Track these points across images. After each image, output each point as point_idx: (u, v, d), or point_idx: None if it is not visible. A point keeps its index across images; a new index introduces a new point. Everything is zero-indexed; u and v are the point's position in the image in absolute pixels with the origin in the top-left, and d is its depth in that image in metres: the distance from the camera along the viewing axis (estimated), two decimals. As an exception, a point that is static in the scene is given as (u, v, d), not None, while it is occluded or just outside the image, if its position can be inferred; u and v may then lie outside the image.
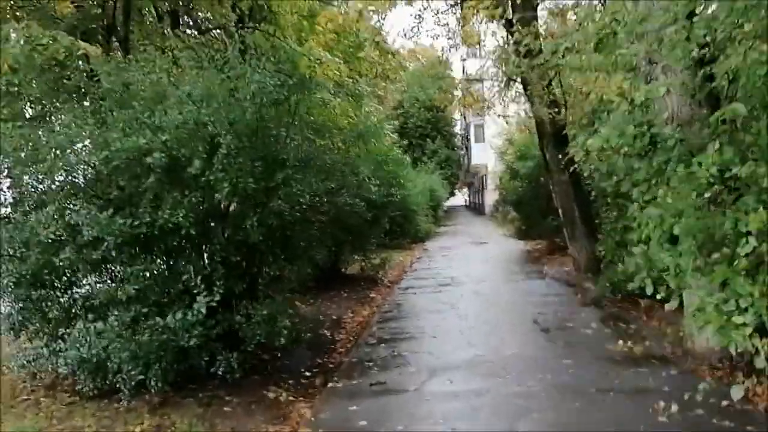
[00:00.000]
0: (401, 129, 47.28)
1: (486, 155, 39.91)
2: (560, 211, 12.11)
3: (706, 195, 4.07)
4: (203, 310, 5.53)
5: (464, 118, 57.58)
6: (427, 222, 27.08)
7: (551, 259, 15.17)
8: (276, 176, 6.23)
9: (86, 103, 6.94)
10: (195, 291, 5.59)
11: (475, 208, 54.83)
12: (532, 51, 8.78)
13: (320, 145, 8.91)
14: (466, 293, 10.80)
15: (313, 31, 13.94)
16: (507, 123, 13.97)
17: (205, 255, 6.30)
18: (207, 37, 14.82)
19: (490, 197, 39.92)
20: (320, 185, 7.52)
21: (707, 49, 4.58)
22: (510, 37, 11.06)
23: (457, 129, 61.39)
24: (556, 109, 11.42)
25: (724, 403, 4.65)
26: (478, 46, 16.18)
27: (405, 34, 20.64)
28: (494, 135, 34.75)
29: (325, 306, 10.62)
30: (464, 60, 35.30)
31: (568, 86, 11.44)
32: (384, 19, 19.80)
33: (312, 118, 8.86)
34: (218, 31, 15.02)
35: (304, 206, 7.40)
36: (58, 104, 7.52)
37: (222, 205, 6.04)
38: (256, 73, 6.20)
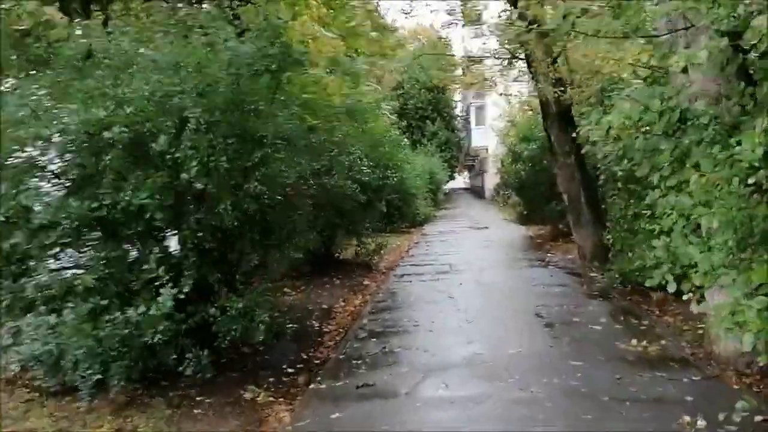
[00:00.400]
0: (401, 110, 46.63)
1: (487, 138, 39.24)
2: (565, 196, 11.50)
3: (750, 181, 3.44)
4: (169, 303, 4.95)
5: (464, 100, 56.84)
6: (426, 206, 26.46)
7: (555, 246, 14.58)
8: (253, 155, 5.61)
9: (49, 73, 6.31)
10: (158, 282, 4.98)
11: (476, 191, 54.21)
12: (537, 20, 8.10)
13: (310, 124, 8.29)
14: (465, 282, 10.21)
15: (307, 6, 13.24)
16: (509, 103, 13.29)
17: (176, 241, 5.70)
18: (197, 10, 14.15)
19: (491, 181, 39.29)
20: (305, 166, 6.89)
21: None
22: (514, 8, 10.35)
23: (458, 111, 60.65)
24: (562, 88, 10.75)
25: (758, 418, 4.07)
26: (478, 23, 15.45)
27: (405, 13, 19.75)
28: (495, 117, 34.10)
29: (316, 294, 10.05)
30: (464, 41, 34.39)
31: (575, 63, 10.76)
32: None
33: (305, 95, 8.39)
34: (208, 4, 14.34)
35: (288, 188, 6.82)
36: (21, 76, 6.89)
37: (193, 186, 5.40)
38: (231, 40, 5.55)
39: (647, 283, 4.73)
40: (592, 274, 10.29)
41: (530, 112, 12.61)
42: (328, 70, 16.64)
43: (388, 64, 22.88)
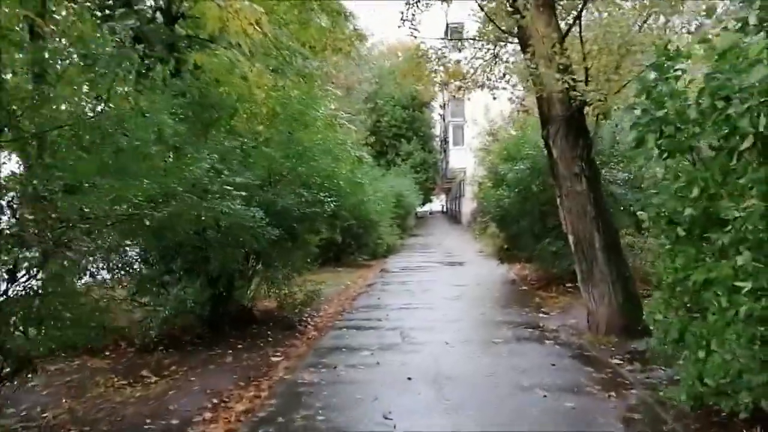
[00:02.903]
0: (374, 127, 43.20)
1: (465, 159, 36.03)
2: (570, 237, 7.91)
3: None
4: None
5: (443, 118, 53.65)
6: (391, 233, 22.81)
7: (548, 299, 10.98)
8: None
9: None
10: None
11: (453, 216, 50.90)
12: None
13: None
14: (418, 373, 6.44)
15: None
16: (494, 98, 9.76)
17: None
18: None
19: (469, 205, 35.98)
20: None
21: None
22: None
23: (437, 131, 57.48)
24: (572, 79, 7.24)
25: None
26: None
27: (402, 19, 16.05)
28: (474, 136, 30.73)
29: (185, 383, 6.32)
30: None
31: (593, 41, 7.28)
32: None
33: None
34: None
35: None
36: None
37: None
38: None
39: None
40: (614, 361, 6.68)
41: (524, 114, 9.06)
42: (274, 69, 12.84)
43: (348, 64, 19.37)
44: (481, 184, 16.97)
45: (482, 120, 28.69)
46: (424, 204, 54.53)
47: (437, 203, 67.78)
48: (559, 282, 12.16)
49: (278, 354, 7.64)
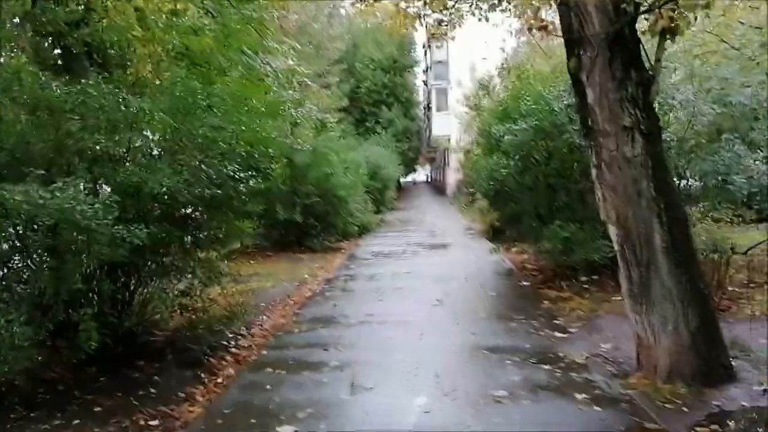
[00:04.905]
0: (352, 93, 39.84)
1: (449, 125, 33.07)
2: (612, 229, 5.02)
3: None
4: None
5: (426, 84, 50.38)
6: (365, 210, 19.87)
7: (559, 300, 8.19)
8: None
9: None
10: None
11: (437, 186, 48.04)
12: None
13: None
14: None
15: None
16: (483, 58, 6.99)
17: None
18: None
19: (453, 176, 33.16)
20: None
21: None
22: None
23: (420, 98, 54.21)
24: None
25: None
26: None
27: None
28: (459, 99, 27.68)
29: None
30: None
31: None
32: None
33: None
34: None
35: None
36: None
37: None
38: None
39: None
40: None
41: (541, 36, 6.06)
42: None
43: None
44: (468, 153, 14.00)
45: (468, 82, 25.68)
46: (407, 174, 51.58)
47: (422, 173, 64.84)
48: (570, 275, 9.38)
49: (153, 427, 4.77)
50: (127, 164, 5.24)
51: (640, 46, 4.85)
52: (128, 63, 7.18)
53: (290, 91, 12.76)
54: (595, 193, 5.13)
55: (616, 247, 5.09)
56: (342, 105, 27.89)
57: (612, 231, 5.06)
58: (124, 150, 5.32)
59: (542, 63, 14.41)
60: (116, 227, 4.51)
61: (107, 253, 4.55)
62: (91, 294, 5.07)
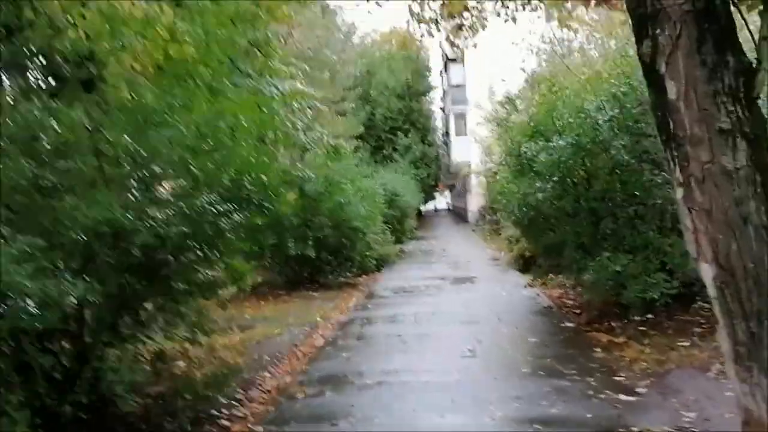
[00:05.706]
0: (368, 121, 38.92)
1: (469, 150, 31.88)
2: (705, 267, 3.70)
3: None
4: None
5: (443, 110, 49.47)
6: (384, 241, 18.65)
7: (614, 346, 6.85)
8: None
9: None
10: None
11: (458, 213, 46.69)
12: None
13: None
14: None
15: None
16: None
17: None
18: None
19: (475, 202, 31.90)
20: None
21: None
22: None
23: (438, 124, 53.33)
24: None
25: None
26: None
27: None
28: (479, 122, 26.54)
29: None
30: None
31: None
32: None
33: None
34: None
35: None
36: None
37: None
38: None
39: None
40: None
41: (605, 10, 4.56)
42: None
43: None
44: (495, 174, 12.77)
45: (487, 104, 24.56)
46: (427, 202, 50.42)
47: (443, 201, 63.70)
48: (620, 314, 8.05)
49: None
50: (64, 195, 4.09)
51: (735, 23, 3.61)
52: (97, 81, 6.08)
53: (299, 115, 11.72)
54: (682, 218, 3.84)
55: (712, 293, 3.77)
56: (358, 132, 26.95)
57: (706, 271, 3.75)
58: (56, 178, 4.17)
59: (565, 81, 13.32)
60: (43, 282, 3.36)
61: (28, 321, 3.38)
62: (17, 373, 3.87)
